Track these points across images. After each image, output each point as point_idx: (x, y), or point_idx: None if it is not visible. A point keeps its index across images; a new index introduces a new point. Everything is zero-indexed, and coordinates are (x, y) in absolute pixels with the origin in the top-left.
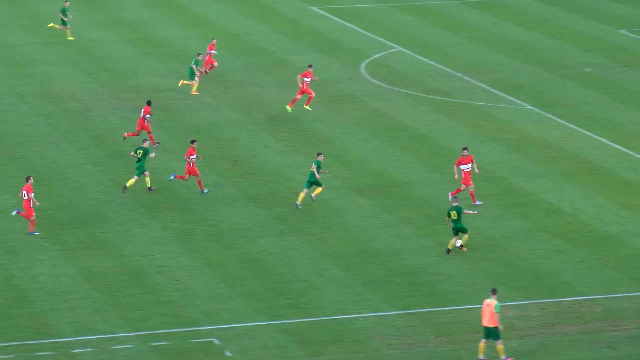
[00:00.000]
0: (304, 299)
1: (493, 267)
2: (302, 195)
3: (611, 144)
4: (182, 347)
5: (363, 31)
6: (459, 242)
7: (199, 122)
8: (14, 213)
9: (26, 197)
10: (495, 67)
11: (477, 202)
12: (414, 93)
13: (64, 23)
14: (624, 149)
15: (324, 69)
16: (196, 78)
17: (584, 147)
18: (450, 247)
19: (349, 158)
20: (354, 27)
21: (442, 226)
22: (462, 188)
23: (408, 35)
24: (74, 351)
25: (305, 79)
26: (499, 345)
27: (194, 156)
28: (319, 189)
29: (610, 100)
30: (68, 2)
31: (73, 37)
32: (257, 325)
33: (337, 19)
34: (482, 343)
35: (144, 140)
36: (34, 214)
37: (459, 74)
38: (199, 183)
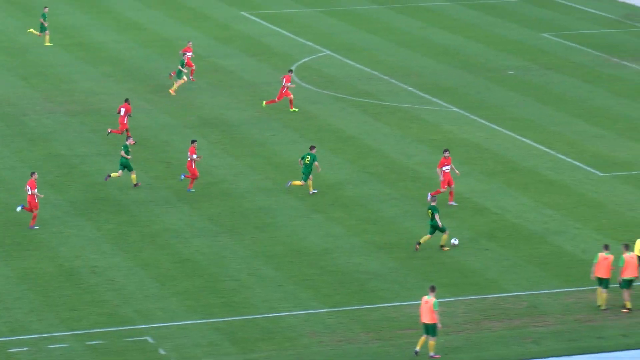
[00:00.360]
0: (236, 298)
1: (421, 265)
2: (297, 183)
3: (534, 144)
4: (117, 346)
5: (292, 36)
6: (456, 241)
7: (131, 125)
8: (18, 209)
9: (30, 192)
10: (421, 71)
11: (453, 203)
12: (342, 96)
13: (43, 29)
14: (547, 149)
15: (254, 73)
16: (183, 77)
17: (508, 147)
18: (442, 243)
19: (279, 159)
20: (283, 31)
21: (371, 225)
22: (442, 190)
23: (336, 39)
24: (11, 350)
25: (286, 83)
26: (431, 342)
27: (195, 156)
28: (297, 183)
29: (533, 101)
30: (47, 8)
31: (50, 42)
32: (191, 323)
33: (267, 24)
34: (424, 337)
35: (128, 137)
36: (37, 208)
37: (386, 77)
38: (192, 181)
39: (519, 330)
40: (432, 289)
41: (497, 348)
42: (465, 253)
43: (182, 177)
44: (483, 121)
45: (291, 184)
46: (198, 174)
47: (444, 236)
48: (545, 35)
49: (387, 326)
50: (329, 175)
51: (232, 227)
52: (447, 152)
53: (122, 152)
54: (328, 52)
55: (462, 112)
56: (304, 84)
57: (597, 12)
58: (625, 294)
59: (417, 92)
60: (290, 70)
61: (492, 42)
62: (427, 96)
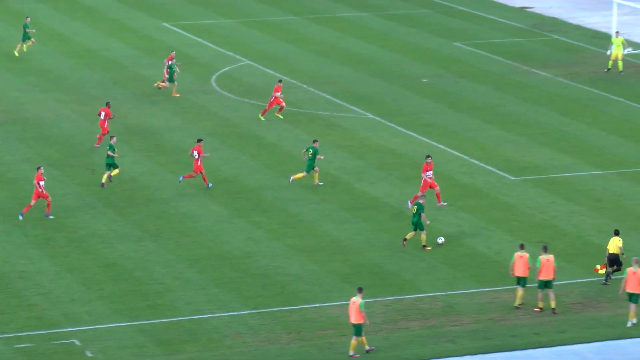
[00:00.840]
0: (161, 301)
1: (339, 268)
2: (299, 176)
3: (449, 149)
4: (44, 349)
5: (213, 46)
6: (441, 239)
7: (57, 134)
8: (20, 218)
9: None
10: (338, 79)
11: (443, 203)
12: (262, 104)
13: (25, 39)
14: (461, 155)
15: (177, 82)
16: (174, 82)
17: (424, 153)
18: (423, 243)
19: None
20: (204, 42)
21: (291, 229)
22: (419, 194)
23: (256, 49)
24: None
25: (276, 93)
26: (353, 341)
27: (201, 155)
28: (300, 175)
29: (447, 108)
30: (29, 18)
31: (18, 53)
32: (117, 326)
33: (188, 35)
34: (362, 338)
35: (112, 137)
36: (49, 197)
37: (304, 86)
38: (204, 179)
39: (435, 330)
40: (360, 290)
41: (415, 347)
42: (382, 255)
43: (181, 178)
44: (399, 128)
45: (293, 178)
46: (203, 170)
47: (422, 236)
48: (457, 44)
49: (307, 327)
50: (250, 180)
51: (157, 232)
52: (429, 157)
53: (109, 152)
54: (248, 62)
55: (378, 119)
56: (224, 93)
57: (507, 21)
58: (540, 294)
59: (335, 99)
60: (280, 81)
61: (407, 51)
62: (344, 104)
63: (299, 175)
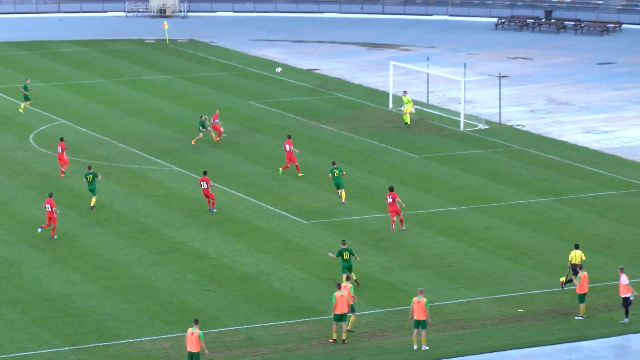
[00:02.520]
0: None
1: (150, 306)
2: (342, 195)
3: (247, 197)
4: None
5: (30, 107)
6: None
7: None
8: (39, 230)
9: (49, 209)
10: (146, 135)
11: (403, 229)
12: (76, 159)
13: (26, 99)
14: (258, 202)
15: None
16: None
17: (224, 201)
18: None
19: (22, 216)
20: (22, 103)
21: (105, 272)
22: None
23: (69, 109)
24: None
25: (290, 147)
26: None
27: (210, 183)
28: (343, 191)
29: (244, 160)
30: (29, 79)
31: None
32: None
33: (5, 97)
34: None
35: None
36: (56, 221)
37: (115, 142)
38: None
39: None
40: (196, 321)
41: None
42: (189, 294)
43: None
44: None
45: (341, 195)
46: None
47: (350, 279)
48: (252, 102)
49: None
50: (67, 228)
51: None
52: (392, 188)
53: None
54: (63, 121)
55: (182, 170)
56: (42, 149)
57: (296, 82)
58: (334, 326)
59: (143, 154)
60: (289, 136)
61: (206, 110)
62: (152, 157)
63: (342, 192)
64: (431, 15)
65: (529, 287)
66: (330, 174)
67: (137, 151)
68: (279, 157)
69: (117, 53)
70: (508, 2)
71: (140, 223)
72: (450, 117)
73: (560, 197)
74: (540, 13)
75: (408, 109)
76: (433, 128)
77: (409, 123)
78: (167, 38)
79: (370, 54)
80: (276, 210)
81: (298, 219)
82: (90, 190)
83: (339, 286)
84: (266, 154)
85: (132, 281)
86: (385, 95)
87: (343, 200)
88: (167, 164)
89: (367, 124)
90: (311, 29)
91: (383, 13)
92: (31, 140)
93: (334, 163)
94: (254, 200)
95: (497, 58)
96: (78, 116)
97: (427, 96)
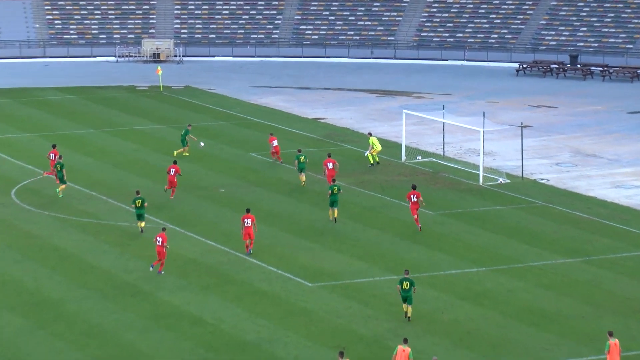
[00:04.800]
0: None
1: None
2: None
3: (247, 257)
4: None
5: (12, 159)
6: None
7: None
8: (151, 269)
9: (159, 243)
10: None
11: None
12: (62, 216)
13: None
14: (259, 262)
15: None
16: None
17: (222, 261)
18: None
19: (3, 278)
20: (4, 155)
21: (92, 340)
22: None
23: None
24: None
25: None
26: None
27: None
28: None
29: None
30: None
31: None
32: None
33: None
34: None
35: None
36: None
37: (104, 197)
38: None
39: None
40: None
41: None
42: None
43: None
44: (198, 237)
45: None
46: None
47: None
48: (253, 154)
49: None
50: (51, 292)
51: None
52: (415, 186)
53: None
54: (47, 175)
55: (177, 228)
56: (24, 205)
57: (300, 132)
58: None
59: (134, 210)
60: (329, 155)
61: (204, 162)
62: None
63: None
64: (447, 60)
65: (555, 356)
66: (329, 191)
67: (127, 207)
68: (282, 213)
69: (106, 101)
70: (530, 46)
71: (131, 285)
72: (468, 170)
73: (588, 258)
74: (565, 58)
75: (377, 149)
76: (449, 182)
77: (372, 162)
78: (160, 85)
79: (381, 102)
80: (279, 271)
81: (303, 281)
82: (139, 216)
83: (341, 354)
84: (268, 209)
85: (122, 349)
86: (397, 146)
87: (332, 219)
88: (160, 221)
89: (377, 177)
90: (317, 75)
91: (395, 58)
92: (13, 196)
93: (333, 181)
94: (254, 261)
95: (519, 106)
96: (64, 169)
97: (443, 148)
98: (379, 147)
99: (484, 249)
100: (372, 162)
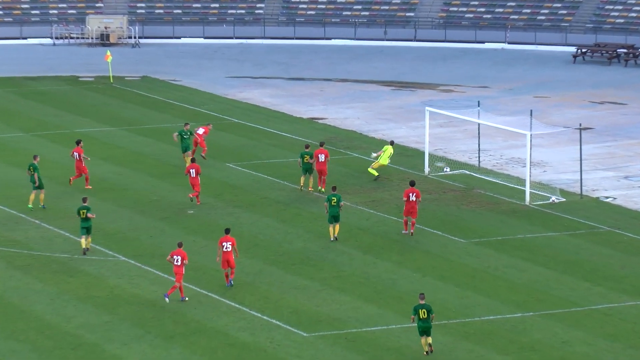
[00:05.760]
0: None
1: None
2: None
3: (222, 299)
4: None
5: None
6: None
7: None
8: (166, 299)
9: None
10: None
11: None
12: None
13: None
14: (238, 305)
15: None
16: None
17: (191, 304)
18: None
19: None
20: None
21: None
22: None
23: None
24: None
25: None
26: None
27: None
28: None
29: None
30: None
31: None
32: None
33: None
34: None
35: None
36: (181, 280)
37: (36, 221)
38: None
39: None
40: None
41: None
42: None
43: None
44: (158, 272)
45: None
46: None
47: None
48: (231, 165)
49: None
50: None
51: None
52: (414, 182)
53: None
54: None
55: (131, 261)
56: None
57: (293, 136)
58: None
59: (76, 238)
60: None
61: (168, 176)
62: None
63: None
64: (483, 42)
65: None
66: (326, 203)
67: (67, 234)
68: (269, 241)
69: (40, 96)
70: (591, 25)
71: (71, 336)
72: (511, 185)
73: None
74: (636, 40)
75: (381, 163)
76: (486, 201)
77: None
78: (110, 75)
79: (397, 97)
80: (264, 317)
81: (296, 330)
82: (84, 230)
83: None
84: (250, 237)
85: None
86: (418, 154)
87: (332, 238)
88: (111, 252)
89: (392, 195)
90: (315, 62)
91: (415, 39)
92: None
93: (334, 189)
94: (232, 303)
95: (577, 102)
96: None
97: (478, 156)
98: (385, 161)
99: (531, 288)
100: (375, 174)
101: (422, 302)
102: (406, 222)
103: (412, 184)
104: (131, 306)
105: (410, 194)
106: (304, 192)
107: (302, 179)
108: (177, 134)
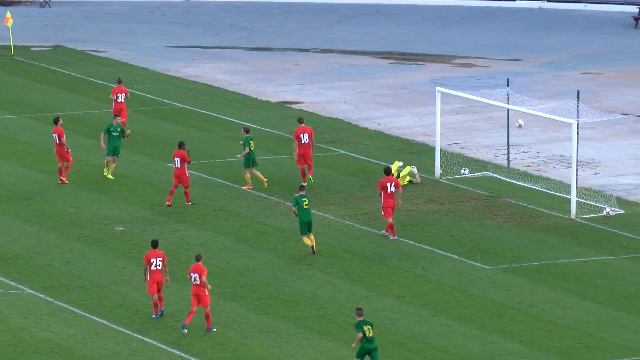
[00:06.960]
0: None
1: None
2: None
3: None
4: None
5: None
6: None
7: None
8: (185, 331)
9: (197, 282)
10: None
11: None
12: None
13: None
14: (185, 355)
15: None
16: None
17: (117, 352)
18: None
19: None
20: None
21: None
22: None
23: None
24: None
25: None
26: None
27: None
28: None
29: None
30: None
31: None
32: None
33: None
34: None
35: None
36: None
37: None
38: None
39: None
40: None
41: None
42: None
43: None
44: (77, 310)
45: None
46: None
47: None
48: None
49: None
50: None
51: None
52: (389, 169)
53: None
54: None
55: (40, 295)
56: None
57: (258, 127)
58: None
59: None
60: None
61: (88, 182)
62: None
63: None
64: None
65: None
66: (294, 207)
67: None
68: (222, 270)
69: None
70: None
71: None
72: (551, 193)
73: None
74: None
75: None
76: (518, 214)
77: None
78: (11, 44)
79: (397, 74)
80: None
81: None
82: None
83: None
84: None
85: None
86: (427, 151)
87: (312, 250)
88: (12, 283)
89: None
90: (287, 26)
91: None
92: None
93: (302, 188)
94: (175, 352)
95: (638, 81)
96: None
97: (507, 153)
98: (403, 181)
99: (578, 330)
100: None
101: (361, 318)
102: (391, 225)
103: (388, 171)
104: (40, 356)
105: (389, 185)
106: (275, 202)
107: (248, 175)
108: (104, 133)
